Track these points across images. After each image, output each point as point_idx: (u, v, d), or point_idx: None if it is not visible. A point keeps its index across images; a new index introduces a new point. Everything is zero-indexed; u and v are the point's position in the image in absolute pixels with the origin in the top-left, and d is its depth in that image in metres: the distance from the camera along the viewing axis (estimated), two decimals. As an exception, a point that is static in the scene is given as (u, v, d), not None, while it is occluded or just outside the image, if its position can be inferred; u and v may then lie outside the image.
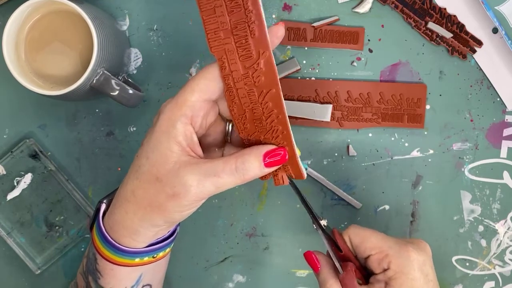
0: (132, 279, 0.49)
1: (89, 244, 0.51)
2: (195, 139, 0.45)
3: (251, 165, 0.44)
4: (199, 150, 0.46)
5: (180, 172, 0.43)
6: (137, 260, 0.48)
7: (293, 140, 0.45)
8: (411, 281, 0.48)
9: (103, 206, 0.49)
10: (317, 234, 0.63)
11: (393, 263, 0.48)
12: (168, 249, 0.50)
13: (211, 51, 0.43)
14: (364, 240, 0.50)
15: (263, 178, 0.47)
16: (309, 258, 0.51)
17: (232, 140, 0.49)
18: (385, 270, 0.49)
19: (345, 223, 0.63)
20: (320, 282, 0.50)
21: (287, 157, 0.45)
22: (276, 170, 0.47)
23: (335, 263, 0.51)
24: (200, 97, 0.44)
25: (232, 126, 0.49)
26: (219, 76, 0.44)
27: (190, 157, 0.44)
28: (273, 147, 0.45)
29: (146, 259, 0.48)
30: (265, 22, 0.42)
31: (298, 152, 0.46)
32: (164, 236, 0.49)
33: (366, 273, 0.51)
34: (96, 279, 0.49)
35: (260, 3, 0.41)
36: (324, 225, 0.52)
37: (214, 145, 0.49)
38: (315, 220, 0.51)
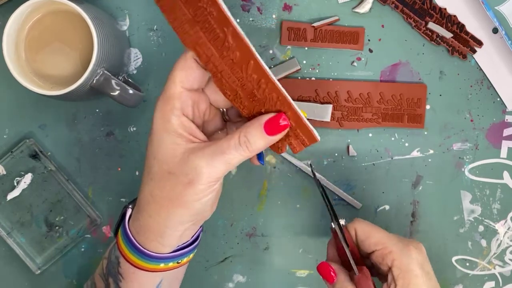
0: (153, 284, 0.49)
1: (111, 247, 0.51)
2: (193, 126, 0.46)
3: (254, 135, 0.44)
4: (201, 136, 0.46)
5: (189, 159, 0.44)
6: (161, 265, 0.48)
7: (293, 103, 0.44)
8: (415, 278, 0.49)
9: (129, 211, 0.49)
10: (317, 233, 0.63)
11: (397, 260, 0.49)
12: (191, 255, 0.51)
13: (184, 45, 0.44)
14: (369, 236, 0.51)
15: (278, 150, 0.46)
16: (325, 270, 0.51)
17: (231, 117, 0.50)
18: (389, 268, 0.49)
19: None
20: None
21: (288, 121, 0.44)
22: (288, 139, 0.46)
23: (352, 265, 0.50)
24: (183, 88, 0.45)
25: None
26: (195, 65, 0.45)
27: (195, 144, 0.45)
28: (272, 114, 0.45)
29: (170, 264, 0.48)
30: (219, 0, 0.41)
31: (303, 114, 0.45)
32: (188, 242, 0.49)
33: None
34: (117, 281, 0.49)
35: None
36: (342, 224, 0.52)
37: (217, 129, 0.50)
38: (335, 218, 0.51)
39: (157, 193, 0.45)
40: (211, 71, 0.44)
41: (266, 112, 0.45)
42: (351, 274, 0.51)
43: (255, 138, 0.44)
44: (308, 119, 0.60)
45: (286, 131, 0.45)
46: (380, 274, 0.52)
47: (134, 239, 0.47)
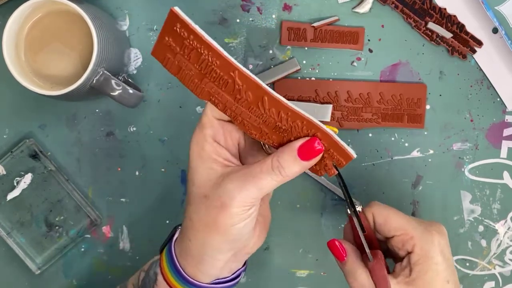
0: None
1: (153, 262, 0.51)
2: (227, 152, 0.46)
3: (287, 160, 0.43)
4: (236, 161, 0.46)
5: (223, 183, 0.44)
6: None
7: (320, 124, 0.43)
8: (435, 265, 0.48)
9: (178, 232, 0.49)
10: (317, 233, 0.63)
11: (418, 246, 0.48)
12: None
13: (199, 98, 0.44)
14: (388, 220, 0.50)
15: (318, 173, 0.46)
16: (334, 247, 0.50)
17: (271, 149, 0.49)
18: (409, 253, 0.49)
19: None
20: (346, 272, 0.49)
21: (321, 144, 0.43)
22: (323, 160, 0.45)
23: (366, 251, 0.49)
24: (214, 117, 0.46)
25: None
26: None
27: (230, 168, 0.45)
28: (305, 139, 0.44)
29: None
30: (217, 46, 0.41)
31: (334, 131, 0.44)
32: (228, 278, 0.49)
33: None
34: None
35: (202, 34, 0.41)
36: (358, 210, 0.50)
37: (256, 154, 0.49)
38: (351, 203, 0.49)
39: (195, 217, 0.45)
40: (231, 116, 0.44)
41: (296, 139, 0.44)
42: (364, 257, 0.50)
43: (288, 163, 0.43)
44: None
45: (320, 155, 0.44)
46: (395, 257, 0.51)
47: (177, 261, 0.47)
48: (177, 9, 0.41)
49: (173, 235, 0.50)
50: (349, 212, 0.50)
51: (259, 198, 0.45)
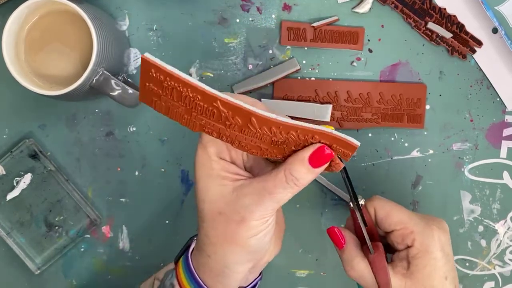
0: None
1: (168, 272, 0.51)
2: (235, 167, 0.46)
3: (299, 171, 0.43)
4: (246, 174, 0.46)
5: (239, 198, 0.44)
6: None
7: (313, 125, 0.43)
8: (434, 260, 0.48)
9: (194, 244, 0.49)
10: (317, 233, 0.63)
11: (417, 241, 0.48)
12: None
13: (194, 131, 0.45)
14: (389, 214, 0.50)
15: (332, 169, 0.46)
16: (333, 234, 0.50)
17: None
18: (408, 247, 0.49)
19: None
20: (344, 260, 0.50)
21: (329, 149, 0.44)
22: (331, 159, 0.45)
23: (367, 243, 0.49)
24: None
25: None
26: None
27: (241, 181, 0.45)
28: (313, 148, 0.44)
29: None
30: (193, 81, 0.41)
31: (330, 129, 0.44)
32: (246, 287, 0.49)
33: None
34: None
35: (176, 72, 0.41)
36: (361, 204, 0.50)
37: (262, 161, 0.49)
38: (354, 197, 0.50)
39: (212, 233, 0.45)
40: (227, 141, 0.44)
41: (297, 147, 0.44)
42: (365, 249, 0.50)
43: (301, 174, 0.43)
44: (308, 119, 0.60)
45: (330, 160, 0.44)
46: (394, 252, 0.51)
47: (197, 274, 0.47)
48: (147, 55, 0.41)
49: (188, 246, 0.49)
50: (351, 205, 0.50)
51: (276, 209, 0.45)
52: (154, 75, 0.42)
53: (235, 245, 0.44)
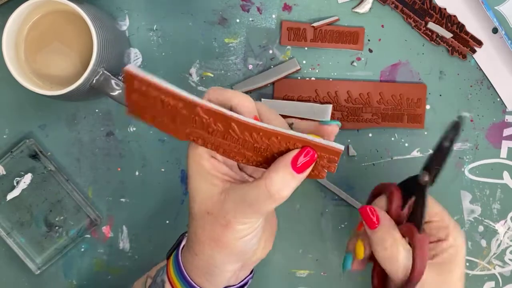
0: None
1: (160, 269, 0.51)
2: (225, 167, 0.45)
3: (283, 178, 0.42)
4: (236, 176, 0.46)
5: (226, 202, 0.43)
6: None
7: (295, 132, 0.42)
8: (461, 258, 0.49)
9: (185, 240, 0.49)
10: (317, 233, 0.63)
11: (452, 236, 0.49)
12: None
13: (180, 140, 0.45)
14: (430, 205, 0.50)
15: (319, 176, 0.44)
16: (365, 214, 0.49)
17: None
18: (439, 240, 0.49)
19: (346, 223, 0.63)
20: (376, 239, 0.48)
21: (312, 150, 0.42)
22: (316, 165, 0.44)
23: (420, 222, 0.47)
24: None
25: None
26: None
27: (231, 184, 0.44)
28: (296, 151, 0.42)
29: None
30: (173, 88, 0.42)
31: (312, 136, 0.43)
32: (235, 286, 0.49)
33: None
34: None
35: (156, 81, 0.41)
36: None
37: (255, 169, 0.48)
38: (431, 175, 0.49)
39: (200, 232, 0.45)
40: (212, 148, 0.44)
41: (280, 154, 0.43)
42: (402, 231, 0.49)
43: (284, 182, 0.42)
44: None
45: (315, 162, 0.43)
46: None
47: (186, 271, 0.47)
48: (129, 67, 0.42)
49: (180, 242, 0.49)
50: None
51: (262, 217, 0.44)
52: (137, 86, 0.42)
53: (221, 246, 0.44)
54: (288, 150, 0.43)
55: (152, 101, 0.43)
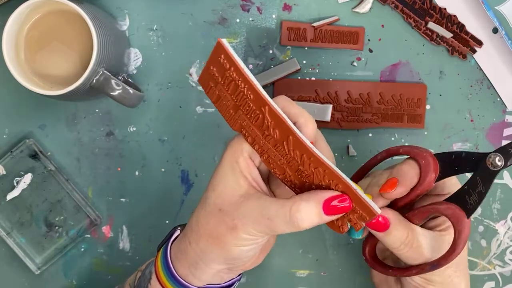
0: None
1: (150, 262, 0.51)
2: (258, 173, 0.45)
3: (308, 212, 0.41)
4: (264, 186, 0.45)
5: (242, 206, 0.43)
6: None
7: (344, 176, 0.41)
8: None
9: (177, 232, 0.49)
10: (317, 233, 0.63)
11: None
12: None
13: (233, 129, 0.45)
14: (453, 182, 0.49)
15: (339, 229, 0.43)
16: (378, 225, 0.46)
17: None
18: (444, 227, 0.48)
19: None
20: (389, 242, 0.46)
21: (350, 202, 0.41)
22: (345, 216, 0.42)
23: (474, 208, 0.44)
24: None
25: None
26: None
27: (255, 191, 0.44)
28: (335, 193, 0.41)
29: None
30: (253, 80, 0.42)
31: (357, 187, 0.41)
32: (220, 285, 0.48)
33: None
34: None
35: (242, 66, 0.42)
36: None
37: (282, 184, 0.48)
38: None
39: (203, 222, 0.45)
40: (258, 151, 0.44)
41: (317, 187, 0.43)
42: (409, 217, 0.47)
43: (309, 215, 0.41)
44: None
45: (345, 212, 0.41)
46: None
47: (171, 262, 0.47)
48: (223, 41, 0.42)
49: (171, 235, 0.49)
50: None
51: (269, 235, 0.44)
52: (222, 61, 0.42)
53: (217, 245, 0.44)
54: (327, 187, 0.42)
55: (228, 81, 0.43)
